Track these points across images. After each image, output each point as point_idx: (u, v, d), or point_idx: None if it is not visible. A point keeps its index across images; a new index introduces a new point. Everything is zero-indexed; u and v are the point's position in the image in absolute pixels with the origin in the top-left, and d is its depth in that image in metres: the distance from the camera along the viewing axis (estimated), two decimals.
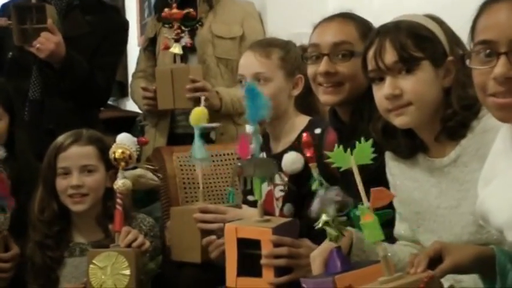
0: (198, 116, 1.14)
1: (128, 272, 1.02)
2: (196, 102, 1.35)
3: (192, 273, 1.10)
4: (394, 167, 0.88)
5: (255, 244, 0.90)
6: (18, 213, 1.10)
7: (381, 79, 0.82)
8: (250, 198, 1.14)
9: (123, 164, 1.05)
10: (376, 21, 0.90)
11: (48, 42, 1.36)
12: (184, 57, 1.43)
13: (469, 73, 0.73)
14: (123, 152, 1.05)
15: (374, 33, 0.84)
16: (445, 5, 1.10)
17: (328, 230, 0.77)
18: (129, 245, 1.04)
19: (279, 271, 0.90)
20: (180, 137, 1.46)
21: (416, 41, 0.81)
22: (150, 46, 1.54)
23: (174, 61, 1.43)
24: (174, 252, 1.14)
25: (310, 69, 0.98)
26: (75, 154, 1.12)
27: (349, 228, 0.79)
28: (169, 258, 1.14)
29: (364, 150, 0.71)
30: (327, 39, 0.95)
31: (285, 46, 1.13)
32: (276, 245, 0.90)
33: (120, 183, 1.05)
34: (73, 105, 1.44)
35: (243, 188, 1.08)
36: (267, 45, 1.13)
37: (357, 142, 0.71)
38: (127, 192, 1.07)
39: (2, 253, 1.09)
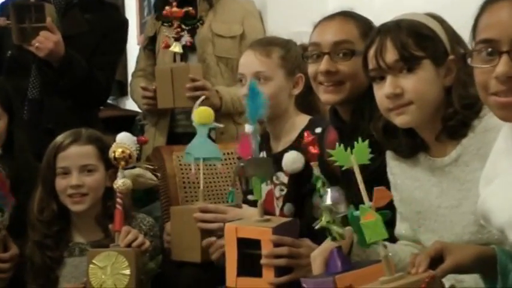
0: (206, 115, 1.14)
1: (127, 271, 1.02)
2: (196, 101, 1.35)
3: (192, 273, 1.10)
4: (395, 167, 0.88)
5: (255, 244, 0.90)
6: (17, 213, 1.09)
7: (382, 78, 0.82)
8: (250, 197, 1.14)
9: (123, 163, 1.05)
10: (377, 20, 0.90)
11: (47, 41, 1.36)
12: (184, 56, 1.43)
13: (470, 72, 0.73)
14: (123, 151, 1.04)
15: (375, 32, 0.84)
16: (446, 3, 1.09)
17: (335, 228, 0.76)
18: (129, 245, 1.04)
19: (279, 271, 0.90)
20: (180, 136, 1.45)
21: (417, 40, 0.80)
22: (149, 45, 1.54)
23: (174, 60, 1.43)
24: (174, 252, 1.13)
25: (311, 68, 0.97)
26: (74, 154, 1.12)
27: (349, 227, 0.79)
28: (169, 258, 1.14)
29: (361, 150, 0.71)
30: (328, 38, 0.95)
31: (286, 45, 1.13)
32: (276, 244, 0.90)
33: (121, 182, 1.04)
34: (72, 104, 1.43)
35: (245, 187, 1.08)
36: (268, 44, 1.12)
37: (355, 142, 0.71)
38: (127, 192, 1.06)
39: (1, 253, 1.09)
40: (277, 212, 1.06)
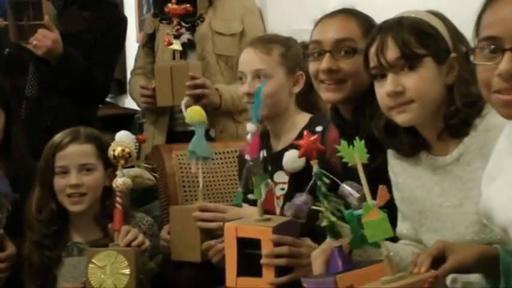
0: (202, 113, 1.13)
1: (127, 271, 1.02)
2: (196, 99, 1.34)
3: (192, 273, 1.10)
4: (396, 165, 0.87)
5: (255, 243, 0.89)
6: (14, 212, 1.08)
7: (383, 76, 0.81)
8: (250, 196, 1.13)
9: (122, 162, 1.04)
10: (378, 18, 0.89)
11: (45, 39, 1.35)
12: (183, 54, 1.42)
13: (472, 70, 0.72)
14: (123, 150, 1.04)
15: (376, 30, 0.83)
16: (448, 1, 1.09)
17: (341, 224, 0.75)
18: (128, 244, 1.03)
19: (280, 271, 0.89)
20: (179, 135, 1.44)
21: (419, 37, 0.80)
22: (148, 42, 1.53)
23: (173, 58, 1.42)
24: (174, 252, 1.13)
25: (312, 66, 0.96)
26: (73, 153, 1.11)
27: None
28: (169, 258, 1.13)
29: (359, 150, 0.70)
30: (329, 36, 0.94)
31: (286, 43, 1.12)
32: (277, 244, 0.89)
33: (121, 181, 1.04)
34: (70, 102, 1.42)
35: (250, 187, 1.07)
36: (268, 42, 1.12)
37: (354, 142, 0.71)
38: (127, 191, 1.06)
39: None
40: (278, 211, 1.05)
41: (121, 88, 2.41)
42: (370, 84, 0.86)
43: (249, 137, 1.01)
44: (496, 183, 0.71)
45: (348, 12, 0.96)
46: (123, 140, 1.06)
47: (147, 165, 1.28)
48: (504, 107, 0.67)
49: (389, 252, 0.71)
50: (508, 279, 0.68)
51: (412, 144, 0.84)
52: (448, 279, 0.74)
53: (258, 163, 0.91)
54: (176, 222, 1.14)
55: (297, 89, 1.12)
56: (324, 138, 1.03)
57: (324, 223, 0.77)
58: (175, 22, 1.38)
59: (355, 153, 0.71)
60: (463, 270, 0.71)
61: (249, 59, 1.11)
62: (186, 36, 1.39)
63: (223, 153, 1.36)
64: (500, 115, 0.69)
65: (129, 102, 2.09)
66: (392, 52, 0.80)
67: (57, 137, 1.13)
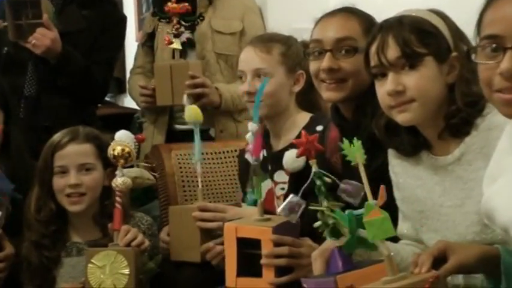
0: (197, 113, 1.13)
1: (127, 271, 1.01)
2: (196, 98, 1.33)
3: (192, 273, 1.09)
4: (397, 165, 0.87)
5: (255, 244, 0.89)
6: (12, 212, 1.08)
7: (384, 75, 0.81)
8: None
9: (122, 161, 1.04)
10: (379, 16, 0.88)
11: (44, 38, 1.34)
12: (183, 53, 1.41)
13: (473, 69, 0.72)
14: (123, 149, 1.03)
15: (377, 29, 0.83)
16: None
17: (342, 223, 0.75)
18: (128, 244, 1.03)
19: (280, 271, 0.89)
20: (179, 134, 1.44)
21: (420, 36, 0.79)
22: (148, 41, 1.52)
23: (173, 57, 1.41)
24: (173, 252, 1.12)
25: (313, 66, 0.96)
26: (72, 152, 1.10)
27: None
28: (168, 258, 1.13)
29: (357, 150, 0.70)
30: (330, 35, 0.94)
31: (286, 41, 1.11)
32: (277, 244, 0.89)
33: (121, 181, 1.03)
34: (70, 102, 1.42)
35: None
36: (268, 41, 1.11)
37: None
38: (127, 191, 1.05)
39: None
40: (278, 211, 1.04)
41: (120, 87, 2.40)
42: (370, 84, 0.85)
43: (248, 136, 1.01)
44: (498, 183, 0.70)
45: (349, 11, 0.96)
46: (123, 139, 1.05)
47: (146, 164, 1.28)
48: (505, 106, 0.67)
49: (390, 252, 0.70)
50: (509, 280, 0.68)
51: (413, 143, 0.83)
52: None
53: (260, 163, 0.90)
54: (176, 222, 1.13)
55: (297, 88, 1.11)
56: (324, 137, 1.03)
57: (324, 222, 0.76)
58: (175, 21, 1.38)
59: (356, 153, 0.70)
60: (464, 270, 0.71)
61: (249, 58, 1.10)
62: (185, 35, 1.38)
63: (223, 152, 1.36)
64: (502, 114, 0.69)
65: (128, 102, 2.09)
66: (393, 51, 0.79)
67: (56, 137, 1.12)
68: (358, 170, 0.71)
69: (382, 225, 0.68)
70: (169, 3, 1.37)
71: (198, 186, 1.16)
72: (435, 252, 0.70)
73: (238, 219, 0.97)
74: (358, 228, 0.74)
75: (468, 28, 0.74)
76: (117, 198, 1.04)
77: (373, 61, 0.81)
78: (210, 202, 1.17)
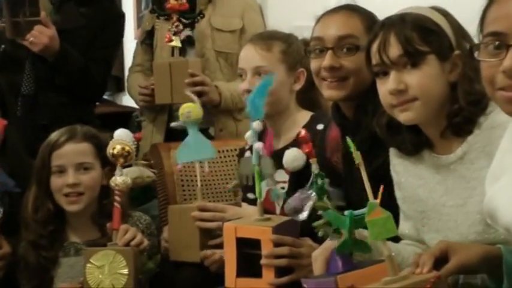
0: (198, 110, 1.12)
1: (126, 271, 1.00)
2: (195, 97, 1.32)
3: (191, 273, 1.09)
4: (398, 164, 0.86)
5: (255, 244, 0.88)
6: (10, 211, 1.07)
7: (385, 73, 0.80)
8: (250, 196, 1.12)
9: (121, 160, 1.03)
10: (381, 14, 0.87)
11: (41, 35, 1.33)
12: (182, 51, 1.40)
13: (476, 67, 0.71)
14: (123, 148, 1.03)
15: (378, 26, 0.82)
16: None
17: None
18: (127, 244, 1.02)
19: (280, 271, 0.88)
20: (178, 133, 1.43)
21: (422, 34, 0.79)
22: (147, 39, 1.51)
23: (172, 54, 1.40)
24: (173, 252, 1.12)
25: (314, 64, 0.95)
26: (70, 151, 1.09)
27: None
28: (167, 258, 1.12)
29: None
30: (331, 33, 0.93)
31: (287, 39, 1.10)
32: (277, 244, 0.88)
33: (120, 180, 1.02)
34: (67, 100, 1.41)
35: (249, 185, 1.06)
36: (268, 38, 1.10)
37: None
38: (126, 190, 1.04)
39: None
40: (278, 210, 1.04)
41: (119, 85, 2.39)
42: (372, 82, 0.84)
43: (248, 135, 1.00)
44: (500, 182, 0.69)
45: (350, 9, 0.95)
46: (122, 138, 1.05)
47: (144, 162, 1.27)
48: (508, 104, 0.66)
49: (391, 252, 0.70)
50: (511, 280, 0.67)
51: (415, 142, 0.82)
52: None
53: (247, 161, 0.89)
54: (175, 222, 1.13)
55: (297, 86, 1.10)
56: (325, 137, 1.02)
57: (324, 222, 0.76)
58: (174, 18, 1.37)
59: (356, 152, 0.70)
60: (465, 270, 0.70)
61: (249, 56, 1.09)
62: (185, 33, 1.37)
63: (223, 151, 1.35)
64: (505, 112, 0.68)
65: (127, 100, 2.08)
66: (394, 49, 0.78)
67: (54, 136, 1.11)
68: (359, 169, 0.70)
69: (385, 224, 0.67)
70: (171, 0, 1.36)
71: (197, 185, 1.15)
72: (436, 253, 0.69)
73: (237, 219, 0.96)
74: (359, 228, 0.74)
75: (470, 26, 0.73)
76: (116, 198, 1.03)
77: (375, 59, 0.80)
78: (210, 202, 1.17)
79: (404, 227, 0.87)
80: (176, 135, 1.42)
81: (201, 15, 1.43)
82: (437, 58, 0.79)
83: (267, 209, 0.96)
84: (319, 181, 0.80)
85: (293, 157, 1.01)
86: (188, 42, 1.42)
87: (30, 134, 1.30)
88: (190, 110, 1.11)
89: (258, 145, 0.90)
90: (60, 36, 1.35)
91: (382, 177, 0.78)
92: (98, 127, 1.21)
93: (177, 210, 1.15)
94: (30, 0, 1.34)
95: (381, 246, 0.70)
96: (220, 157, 1.34)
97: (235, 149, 1.31)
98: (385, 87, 0.80)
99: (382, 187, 0.69)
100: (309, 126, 1.05)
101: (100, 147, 1.09)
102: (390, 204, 0.75)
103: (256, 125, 0.91)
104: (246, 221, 0.93)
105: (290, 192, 1.06)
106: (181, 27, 1.37)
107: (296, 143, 1.03)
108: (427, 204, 0.83)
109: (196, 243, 1.08)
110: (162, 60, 1.43)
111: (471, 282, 0.73)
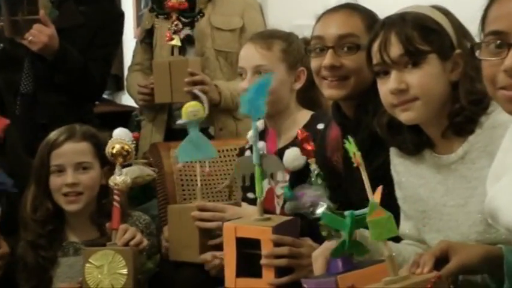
0: (205, 109, 1.11)
1: (125, 271, 1.00)
2: (195, 96, 1.32)
3: (191, 273, 1.08)
4: (399, 164, 0.86)
5: (255, 243, 0.88)
6: (8, 211, 1.06)
7: (386, 73, 0.80)
8: (250, 195, 1.12)
9: (121, 159, 1.03)
10: (382, 13, 0.87)
11: (40, 34, 1.33)
12: (182, 50, 1.40)
13: (477, 66, 0.71)
14: (122, 148, 1.02)
15: (379, 26, 0.82)
16: None
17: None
18: (126, 244, 1.01)
19: (280, 271, 0.88)
20: (178, 133, 1.43)
21: (423, 33, 0.78)
22: (146, 38, 1.51)
23: (172, 53, 1.40)
24: (172, 252, 1.11)
25: (314, 63, 0.94)
26: (69, 151, 1.09)
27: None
28: (167, 258, 1.12)
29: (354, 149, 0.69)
30: (332, 32, 0.92)
31: (287, 38, 1.10)
32: (277, 244, 0.88)
33: (120, 180, 1.02)
34: (67, 99, 1.41)
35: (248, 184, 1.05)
36: (269, 37, 1.10)
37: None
38: (125, 190, 1.04)
39: None
40: (278, 210, 1.03)
41: (118, 84, 2.39)
42: (372, 81, 0.84)
43: (249, 135, 1.00)
44: (502, 182, 0.69)
45: (351, 7, 0.95)
46: (122, 137, 1.04)
47: (144, 160, 1.26)
48: (510, 103, 0.66)
49: (392, 252, 0.69)
50: None
51: (416, 142, 0.82)
52: None
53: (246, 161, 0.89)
54: (174, 222, 1.12)
55: (298, 85, 1.10)
56: (325, 136, 1.01)
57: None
58: (174, 17, 1.36)
59: (356, 152, 0.69)
60: (466, 270, 0.70)
61: (250, 55, 1.09)
62: (184, 32, 1.37)
63: (223, 151, 1.34)
64: (506, 112, 0.68)
65: (126, 99, 2.08)
66: (395, 49, 0.78)
67: (53, 135, 1.11)
68: (359, 169, 0.70)
69: (386, 224, 0.67)
70: None
71: (197, 185, 1.14)
72: (437, 253, 0.69)
73: (237, 219, 0.95)
74: (360, 228, 0.73)
75: (472, 25, 0.72)
76: (116, 197, 1.03)
77: (376, 59, 0.80)
78: (209, 201, 1.16)
79: (405, 227, 0.86)
80: (176, 135, 1.42)
81: (201, 14, 1.42)
82: (438, 57, 0.78)
83: (267, 209, 0.96)
84: (319, 181, 0.80)
85: (293, 156, 1.01)
86: (188, 41, 1.41)
87: (29, 133, 1.29)
88: (197, 108, 1.10)
89: (261, 144, 0.89)
90: (59, 35, 1.35)
91: (383, 177, 0.78)
92: (97, 126, 1.20)
93: (177, 210, 1.14)
94: None
95: (381, 247, 0.69)
96: (220, 157, 1.33)
97: (235, 149, 1.30)
98: (386, 87, 0.79)
99: (381, 187, 0.68)
100: (309, 125, 1.05)
101: (99, 147, 1.09)
102: (390, 204, 0.74)
103: (260, 124, 0.91)
104: (245, 221, 0.92)
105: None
106: (180, 26, 1.37)
107: (296, 142, 1.03)
108: (428, 204, 0.82)
109: (196, 243, 1.07)
110: (161, 59, 1.42)
111: (471, 279, 0.73)
